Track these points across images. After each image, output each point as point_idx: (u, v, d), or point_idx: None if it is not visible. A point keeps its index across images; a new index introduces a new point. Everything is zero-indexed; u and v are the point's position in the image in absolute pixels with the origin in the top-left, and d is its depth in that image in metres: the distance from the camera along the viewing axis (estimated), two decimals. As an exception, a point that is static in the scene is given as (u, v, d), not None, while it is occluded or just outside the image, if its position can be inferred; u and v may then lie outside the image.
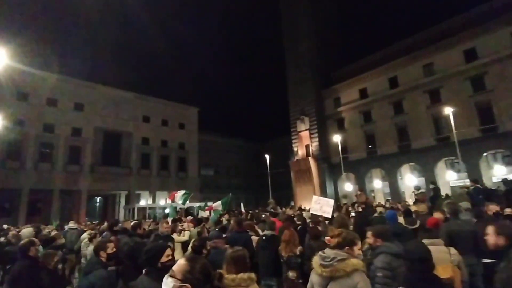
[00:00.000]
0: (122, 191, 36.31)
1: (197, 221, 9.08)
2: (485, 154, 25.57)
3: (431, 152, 27.97)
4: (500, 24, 25.25)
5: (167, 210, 23.49)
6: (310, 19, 39.52)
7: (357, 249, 2.57)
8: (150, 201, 36.86)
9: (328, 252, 2.50)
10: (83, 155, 32.92)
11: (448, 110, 23.27)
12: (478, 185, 10.65)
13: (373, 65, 33.95)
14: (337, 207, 11.63)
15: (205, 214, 11.84)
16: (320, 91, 38.17)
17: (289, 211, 12.05)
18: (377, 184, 33.44)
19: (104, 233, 7.13)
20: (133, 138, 37.41)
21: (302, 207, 19.07)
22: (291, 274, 4.64)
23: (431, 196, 11.64)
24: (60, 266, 7.77)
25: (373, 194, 32.72)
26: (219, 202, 10.95)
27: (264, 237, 5.17)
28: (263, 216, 9.89)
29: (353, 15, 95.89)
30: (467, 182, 18.58)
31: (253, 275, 2.56)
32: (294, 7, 41.33)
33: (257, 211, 14.94)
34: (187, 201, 11.35)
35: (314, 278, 2.56)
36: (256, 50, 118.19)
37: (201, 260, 1.55)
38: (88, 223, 15.84)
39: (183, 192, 11.04)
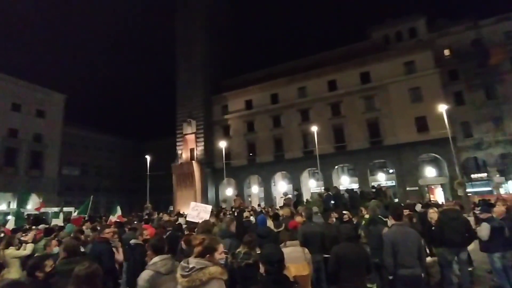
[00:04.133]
0: None
1: (47, 231, 7.52)
2: (336, 166, 31.55)
3: (299, 162, 32.44)
4: (352, 65, 31.99)
5: (9, 217, 18.59)
6: (204, 24, 39.75)
7: (217, 255, 2.59)
8: (-18, 205, 28.44)
9: (190, 261, 2.45)
10: None
11: (313, 128, 27.78)
12: (329, 193, 12.89)
13: (259, 80, 36.96)
14: (218, 212, 11.85)
15: (60, 222, 9.94)
16: (210, 96, 38.71)
17: (166, 217, 11.49)
18: (255, 189, 36.17)
19: None
20: (-39, 122, 28.25)
21: (181, 212, 18.57)
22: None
23: (295, 201, 13.36)
24: None
25: (250, 199, 35.19)
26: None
27: (127, 246, 4.71)
28: (135, 222, 9.07)
29: (246, 31, 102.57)
30: (323, 189, 22.37)
31: None
32: (189, 12, 40.66)
33: (130, 217, 13.61)
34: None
35: None
36: (144, 45, 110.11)
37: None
38: None
39: None
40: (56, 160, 36.11)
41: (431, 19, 34.60)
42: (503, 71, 29.09)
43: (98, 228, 6.70)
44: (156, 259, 2.97)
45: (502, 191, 25.37)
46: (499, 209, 6.38)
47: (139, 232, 5.51)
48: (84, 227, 8.86)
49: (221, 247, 2.63)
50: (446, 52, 31.95)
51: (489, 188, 27.63)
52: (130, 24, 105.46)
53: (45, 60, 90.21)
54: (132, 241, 4.97)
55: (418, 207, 10.07)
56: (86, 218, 11.43)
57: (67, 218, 14.97)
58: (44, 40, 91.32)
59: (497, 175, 27.55)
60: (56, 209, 18.04)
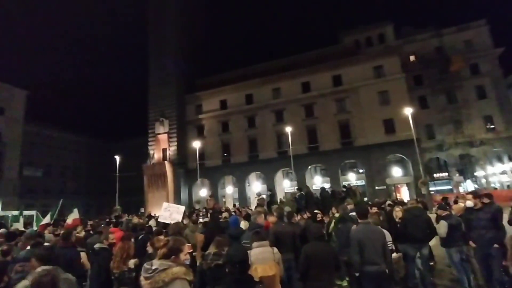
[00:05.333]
0: None
1: (8, 236, 6.98)
2: (309, 167, 32.17)
3: (273, 163, 32.73)
4: (324, 68, 32.81)
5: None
6: (178, 21, 38.94)
7: (183, 256, 2.56)
8: None
9: (153, 263, 2.41)
10: None
11: (287, 129, 28.15)
12: (302, 192, 13.11)
13: (234, 80, 36.83)
14: (190, 213, 11.65)
15: (21, 226, 9.29)
16: (183, 95, 37.99)
17: (135, 219, 11.11)
18: (229, 190, 35.96)
19: None
20: None
21: (152, 214, 18.02)
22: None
23: (268, 201, 13.45)
24: None
25: (224, 199, 34.95)
26: None
27: (91, 251, 4.51)
28: (102, 226, 8.69)
29: (220, 31, 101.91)
30: (296, 189, 22.71)
31: None
32: (161, 8, 39.65)
33: (96, 220, 13.01)
34: None
35: None
36: (115, 41, 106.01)
37: None
38: None
39: None
40: (16, 160, 33.81)
41: (398, 26, 36.42)
42: (462, 77, 31.21)
43: (60, 232, 6.33)
44: (39, 269, 2.87)
45: (461, 189, 27.21)
46: (458, 207, 6.80)
47: (104, 236, 5.27)
48: (46, 231, 8.36)
49: (186, 248, 2.60)
50: (412, 58, 33.71)
51: (450, 187, 29.52)
52: (100, 18, 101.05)
53: (5, 54, 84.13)
54: (97, 246, 4.74)
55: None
56: (51, 222, 10.78)
57: (28, 222, 14.06)
58: (4, 34, 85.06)
59: (457, 175, 29.53)
60: (15, 213, 16.84)
